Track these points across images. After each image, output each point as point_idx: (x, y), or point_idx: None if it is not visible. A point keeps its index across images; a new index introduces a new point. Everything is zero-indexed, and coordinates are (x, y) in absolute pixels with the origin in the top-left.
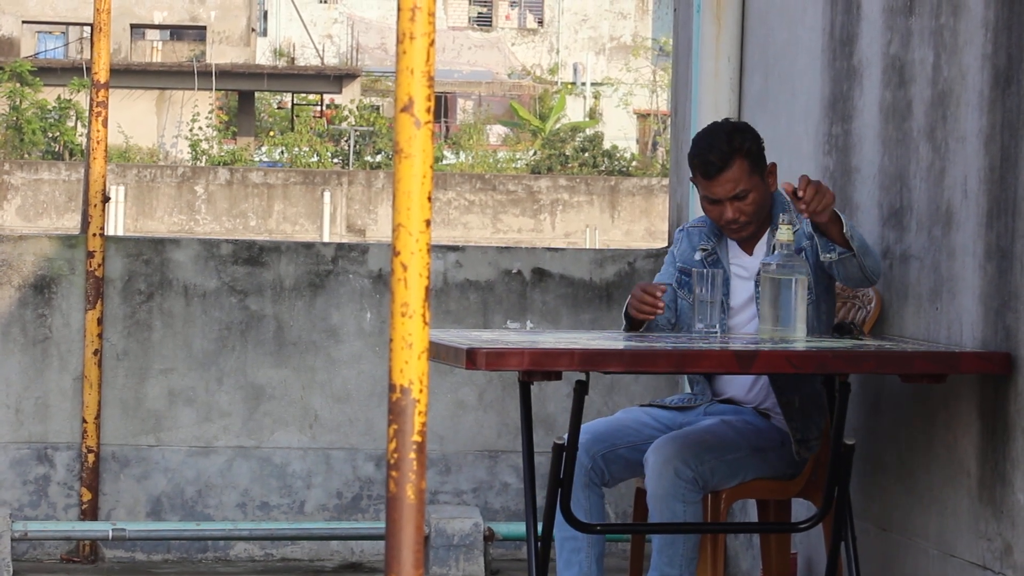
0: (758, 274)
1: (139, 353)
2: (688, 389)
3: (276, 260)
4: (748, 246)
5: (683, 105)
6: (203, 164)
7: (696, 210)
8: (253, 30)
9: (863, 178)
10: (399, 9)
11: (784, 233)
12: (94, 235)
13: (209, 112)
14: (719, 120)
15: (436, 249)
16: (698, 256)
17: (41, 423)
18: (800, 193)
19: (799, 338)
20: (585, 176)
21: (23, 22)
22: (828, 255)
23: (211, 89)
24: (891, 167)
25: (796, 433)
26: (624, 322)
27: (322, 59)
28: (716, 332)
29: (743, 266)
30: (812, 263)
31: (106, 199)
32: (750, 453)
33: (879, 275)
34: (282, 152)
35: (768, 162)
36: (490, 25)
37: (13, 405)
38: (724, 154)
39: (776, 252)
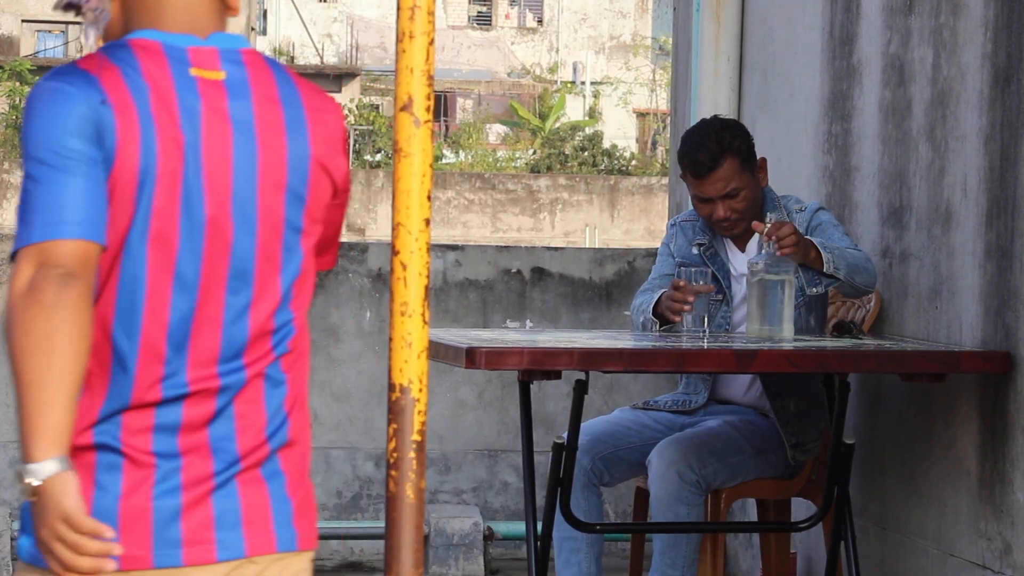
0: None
1: None
2: (680, 386)
3: None
4: (741, 243)
5: (683, 104)
6: None
7: None
8: (252, 29)
9: (863, 177)
10: (398, 8)
11: None
12: None
13: None
14: (707, 118)
15: (435, 248)
16: (695, 251)
17: None
18: (765, 233)
19: (786, 337)
20: (584, 175)
21: (23, 21)
22: (814, 289)
23: None
24: (891, 166)
25: (791, 438)
26: (654, 321)
27: (321, 58)
28: (704, 329)
29: (736, 264)
30: None
31: None
32: (752, 455)
33: (873, 287)
34: None
35: (759, 157)
36: (490, 24)
37: (13, 404)
38: (714, 153)
39: (763, 251)
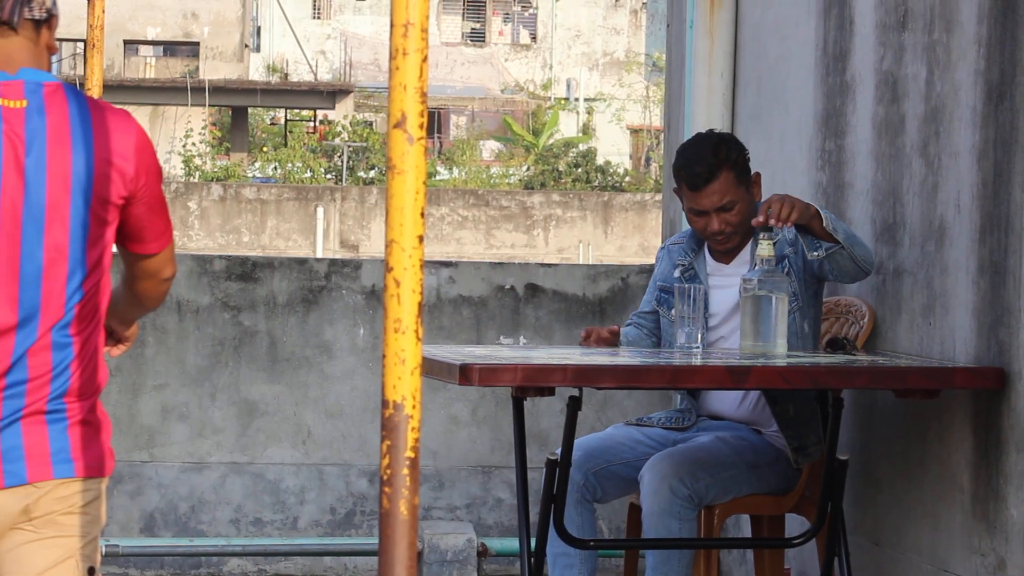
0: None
1: (132, 369)
2: (675, 404)
3: (269, 276)
4: (726, 256)
5: (676, 120)
6: (196, 180)
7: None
8: (246, 46)
9: (856, 194)
10: (392, 25)
11: (765, 248)
12: None
13: (202, 128)
14: (703, 132)
15: (429, 265)
16: (676, 273)
17: None
18: (763, 219)
19: (779, 354)
20: (578, 191)
21: None
22: (815, 253)
23: (204, 105)
24: (884, 183)
25: (793, 441)
26: None
27: (315, 75)
28: (698, 347)
29: (722, 276)
30: (798, 268)
31: None
32: (745, 470)
33: (872, 264)
34: (275, 168)
35: (753, 172)
36: (483, 41)
37: None
38: (711, 165)
39: (757, 268)
